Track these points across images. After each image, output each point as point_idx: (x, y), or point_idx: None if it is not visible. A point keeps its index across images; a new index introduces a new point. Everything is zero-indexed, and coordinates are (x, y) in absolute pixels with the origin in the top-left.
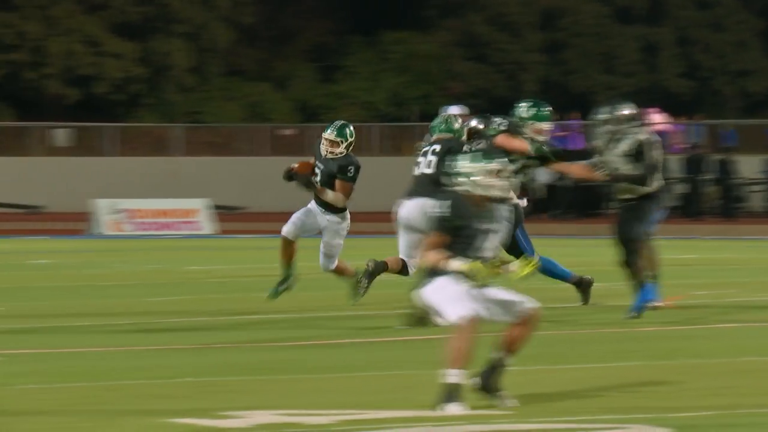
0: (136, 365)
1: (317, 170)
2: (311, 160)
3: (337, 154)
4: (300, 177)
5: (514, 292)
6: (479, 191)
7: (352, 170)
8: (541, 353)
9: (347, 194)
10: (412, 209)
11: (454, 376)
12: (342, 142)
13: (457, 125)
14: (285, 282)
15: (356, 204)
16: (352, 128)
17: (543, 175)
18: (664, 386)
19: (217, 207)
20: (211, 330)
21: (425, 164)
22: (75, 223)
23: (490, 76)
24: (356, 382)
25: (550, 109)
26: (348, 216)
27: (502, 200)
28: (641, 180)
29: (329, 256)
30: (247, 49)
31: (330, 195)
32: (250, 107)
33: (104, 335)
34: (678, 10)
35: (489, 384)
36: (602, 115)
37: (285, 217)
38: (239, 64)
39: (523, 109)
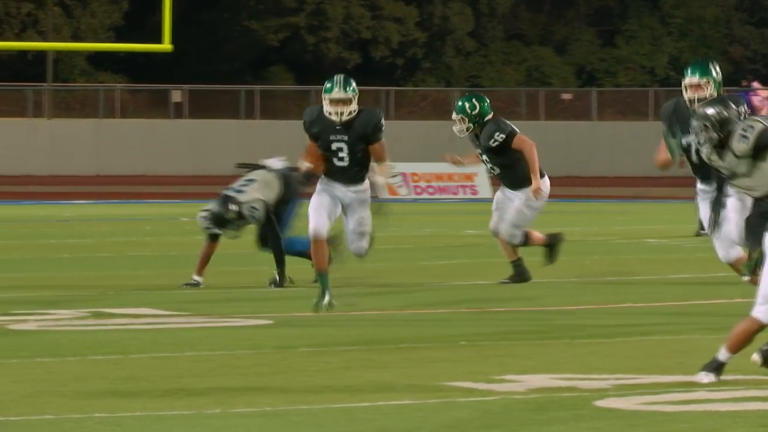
0: (413, 329)
1: (337, 145)
2: (309, 147)
3: (351, 113)
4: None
5: None
6: None
7: (383, 124)
8: None
9: (387, 152)
10: None
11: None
12: (354, 98)
13: None
14: None
15: (629, 169)
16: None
17: None
18: None
19: None
20: (488, 294)
21: None
22: None
23: None
24: (632, 346)
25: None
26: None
27: None
28: None
29: (363, 234)
30: (526, 13)
31: (381, 181)
32: (529, 71)
33: (379, 299)
34: None
35: None
36: None
37: (559, 181)
38: (519, 28)
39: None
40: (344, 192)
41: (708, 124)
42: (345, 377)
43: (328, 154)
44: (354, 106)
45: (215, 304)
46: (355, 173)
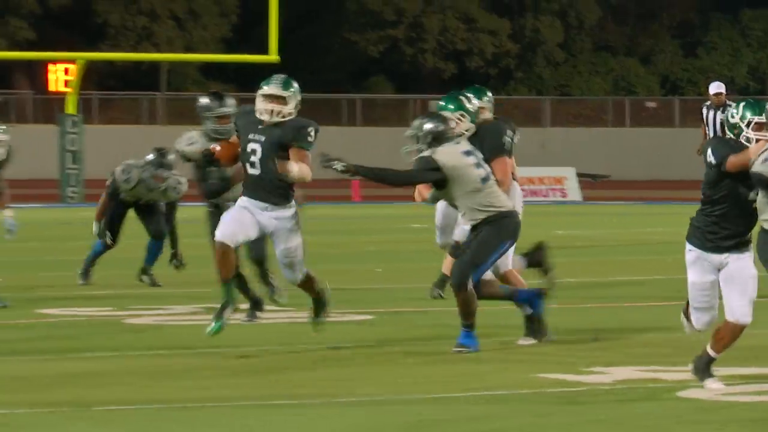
0: (507, 323)
1: (252, 146)
2: (231, 139)
3: (284, 117)
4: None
5: None
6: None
7: (312, 133)
8: None
9: (310, 166)
10: None
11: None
12: (290, 100)
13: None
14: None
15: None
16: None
17: None
18: None
19: (583, 175)
20: (577, 290)
21: None
22: None
23: None
24: None
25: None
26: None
27: None
28: None
29: (293, 264)
30: (613, 26)
31: (295, 170)
32: (615, 81)
33: None
34: None
35: None
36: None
37: (643, 184)
38: (606, 40)
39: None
40: (267, 218)
41: (419, 134)
42: (441, 369)
43: (243, 158)
44: (290, 110)
45: None
46: (269, 187)
